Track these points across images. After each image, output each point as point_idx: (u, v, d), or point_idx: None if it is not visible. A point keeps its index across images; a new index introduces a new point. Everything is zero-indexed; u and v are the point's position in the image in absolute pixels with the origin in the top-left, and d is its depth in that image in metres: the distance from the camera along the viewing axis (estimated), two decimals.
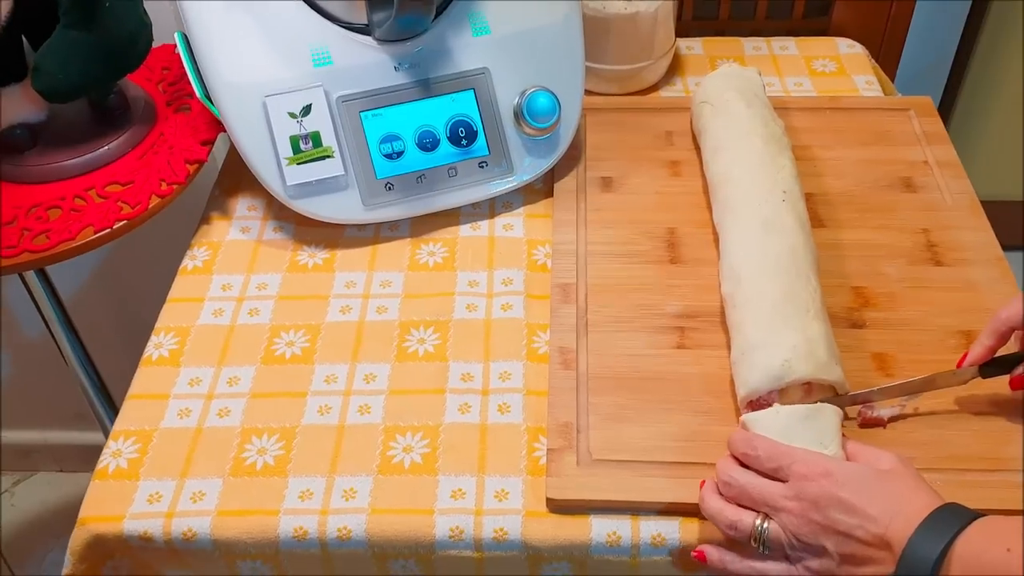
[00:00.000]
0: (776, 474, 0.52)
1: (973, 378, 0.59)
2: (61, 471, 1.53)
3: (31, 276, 0.88)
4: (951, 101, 1.36)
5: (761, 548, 0.52)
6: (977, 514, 0.46)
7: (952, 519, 0.46)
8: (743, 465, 0.54)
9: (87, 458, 1.51)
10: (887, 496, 0.48)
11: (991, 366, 0.59)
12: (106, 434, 1.09)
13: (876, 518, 0.48)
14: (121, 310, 1.34)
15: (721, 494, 0.54)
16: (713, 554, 0.54)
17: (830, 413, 0.56)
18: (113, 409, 1.07)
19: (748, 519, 0.52)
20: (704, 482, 0.56)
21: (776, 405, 0.57)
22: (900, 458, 0.52)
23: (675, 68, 0.95)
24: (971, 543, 0.45)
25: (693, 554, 0.55)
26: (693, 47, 0.98)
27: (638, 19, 0.87)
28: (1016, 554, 0.43)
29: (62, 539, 0.60)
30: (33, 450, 1.52)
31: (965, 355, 0.60)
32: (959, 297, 0.69)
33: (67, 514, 1.49)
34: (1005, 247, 0.73)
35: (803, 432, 0.54)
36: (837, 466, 0.51)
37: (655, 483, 0.58)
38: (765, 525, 0.51)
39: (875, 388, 0.61)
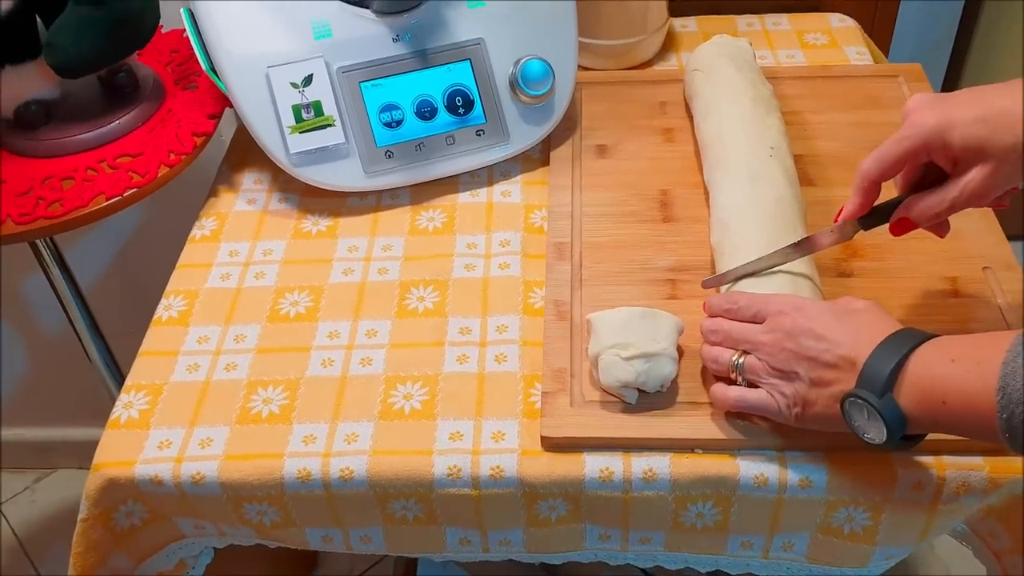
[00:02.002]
0: (755, 319, 0.58)
1: (856, 231, 0.62)
2: (82, 468, 1.55)
3: (54, 270, 0.91)
4: (951, 74, 1.36)
5: (740, 379, 0.58)
6: (930, 335, 0.50)
7: (908, 339, 0.50)
8: None
9: None
10: (854, 326, 0.53)
11: (870, 217, 0.61)
12: None
13: (841, 343, 0.52)
14: (140, 305, 1.36)
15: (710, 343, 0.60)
16: (713, 389, 0.59)
17: (664, 317, 0.61)
18: None
19: (726, 355, 0.58)
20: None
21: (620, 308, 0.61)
22: (873, 303, 0.56)
23: (669, 45, 0.97)
24: (922, 358, 0.49)
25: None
26: (688, 25, 1.00)
27: None
28: (959, 363, 0.47)
29: None
30: (54, 447, 1.55)
31: (841, 211, 0.62)
32: (945, 246, 0.69)
33: None
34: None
35: (639, 329, 0.60)
36: (808, 303, 0.56)
37: (645, 420, 0.60)
38: (740, 360, 0.57)
39: (753, 259, 0.63)
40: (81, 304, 0.97)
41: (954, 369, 0.47)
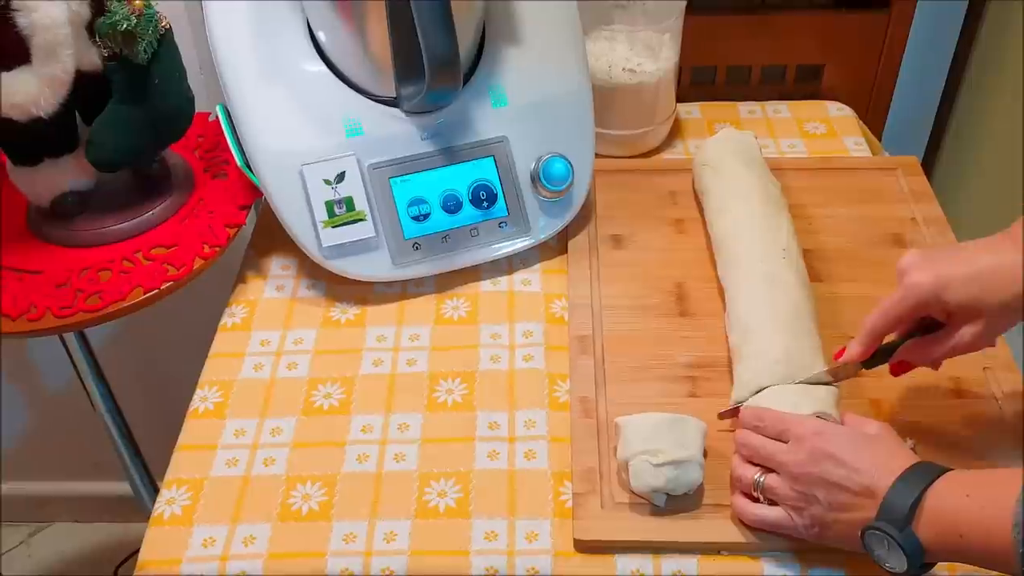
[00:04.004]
0: (780, 437, 0.61)
1: (857, 371, 0.67)
2: (77, 522, 1.56)
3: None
4: (935, 151, 1.42)
5: (761, 497, 0.61)
6: (946, 469, 0.54)
7: (925, 473, 0.54)
8: None
9: (104, 508, 1.54)
10: (872, 453, 0.57)
11: (871, 359, 0.66)
12: (131, 482, 1.14)
13: (862, 470, 0.56)
14: (145, 359, 1.38)
15: (742, 457, 0.63)
16: (735, 502, 0.63)
17: (691, 423, 0.65)
18: (139, 457, 1.11)
19: (749, 473, 0.62)
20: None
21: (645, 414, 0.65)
22: (885, 426, 0.60)
23: (676, 131, 1.01)
24: (939, 492, 0.53)
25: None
26: (692, 111, 1.05)
27: (641, 88, 0.93)
28: (974, 498, 0.51)
29: None
30: (49, 501, 1.55)
31: (842, 350, 0.67)
32: None
33: (83, 565, 1.52)
34: None
35: (668, 435, 0.63)
36: (829, 428, 0.60)
37: (673, 523, 0.63)
38: (761, 479, 0.61)
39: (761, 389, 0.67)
40: (91, 358, 0.98)
41: (970, 503, 0.51)
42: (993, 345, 0.63)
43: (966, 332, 0.60)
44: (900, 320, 0.63)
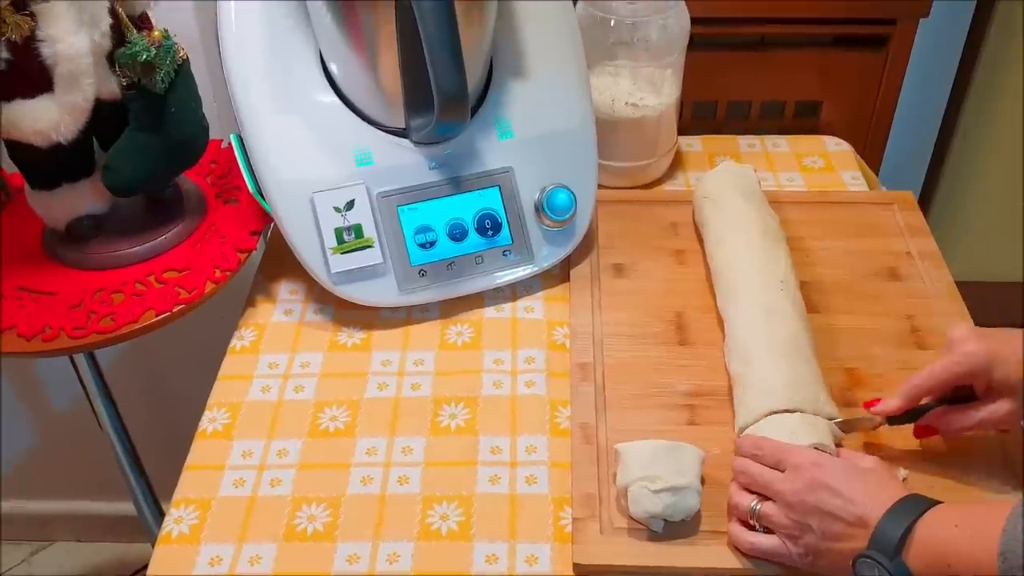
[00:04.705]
0: (777, 466, 0.63)
1: (881, 425, 0.69)
2: (79, 541, 1.56)
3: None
4: (932, 186, 1.45)
5: (757, 525, 0.62)
6: (936, 502, 0.56)
7: (916, 505, 0.56)
8: None
9: (105, 528, 1.55)
10: (866, 485, 0.58)
11: (900, 416, 0.68)
12: (135, 502, 1.15)
13: (856, 501, 0.57)
14: (152, 379, 1.39)
15: (739, 485, 0.65)
16: (732, 529, 0.64)
17: (688, 450, 0.66)
18: (143, 477, 1.12)
19: (746, 501, 0.63)
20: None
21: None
22: (879, 460, 0.63)
23: (677, 164, 1.04)
24: (928, 523, 0.55)
25: None
26: (693, 144, 1.07)
27: (643, 122, 0.95)
28: (962, 529, 0.53)
29: None
30: (51, 520, 1.56)
31: (876, 401, 0.68)
32: None
33: None
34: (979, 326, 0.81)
35: (666, 462, 0.64)
36: (825, 459, 0.62)
37: (670, 548, 0.64)
38: (757, 506, 0.62)
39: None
40: (99, 377, 0.99)
41: (958, 534, 0.53)
42: (1015, 437, 0.66)
43: (1001, 407, 0.63)
44: (944, 385, 0.66)
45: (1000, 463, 0.69)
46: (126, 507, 1.22)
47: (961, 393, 0.66)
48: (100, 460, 1.20)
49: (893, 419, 0.68)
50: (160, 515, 1.13)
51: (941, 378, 0.65)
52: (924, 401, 0.67)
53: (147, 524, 1.15)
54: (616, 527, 0.66)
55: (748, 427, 0.69)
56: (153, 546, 0.67)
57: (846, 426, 0.69)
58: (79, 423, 1.38)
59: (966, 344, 0.63)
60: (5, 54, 0.70)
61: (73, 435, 1.45)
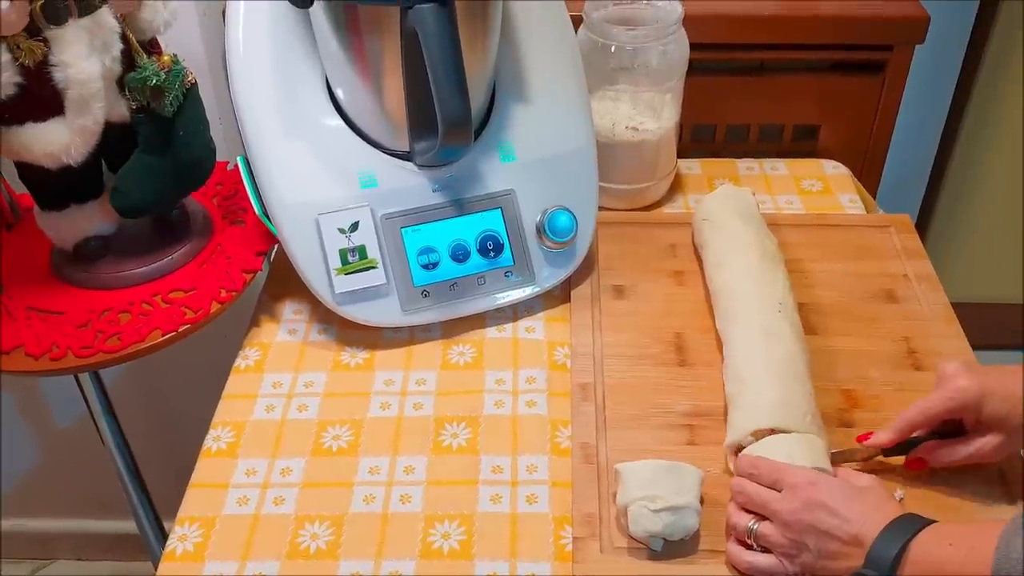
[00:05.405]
0: (774, 486, 0.64)
1: (877, 455, 0.70)
2: (81, 559, 1.57)
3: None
4: (929, 208, 1.46)
5: (755, 544, 0.63)
6: (931, 521, 0.57)
7: (910, 524, 0.57)
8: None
9: (106, 546, 1.55)
10: (862, 504, 0.59)
11: (892, 448, 0.69)
12: (137, 521, 1.15)
13: (851, 520, 0.58)
14: (155, 398, 1.40)
15: (737, 504, 0.66)
16: (730, 548, 0.65)
17: (688, 470, 0.67)
18: (146, 495, 1.13)
19: (743, 520, 0.64)
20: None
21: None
22: (875, 479, 0.64)
23: (676, 186, 1.05)
24: (923, 542, 0.56)
25: None
26: (692, 167, 1.08)
27: (643, 145, 0.97)
28: (956, 548, 0.54)
29: None
30: (53, 538, 1.56)
31: (869, 434, 0.70)
32: None
33: None
34: (977, 347, 0.82)
35: (666, 482, 0.65)
36: (822, 478, 0.62)
37: (670, 567, 0.65)
38: (755, 526, 0.63)
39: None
40: (103, 395, 1.00)
41: (952, 553, 0.54)
42: (1010, 456, 0.67)
43: (990, 441, 0.65)
44: (936, 419, 0.67)
45: (996, 483, 0.70)
46: (128, 525, 1.22)
47: (950, 427, 0.67)
48: (102, 478, 1.21)
49: (887, 451, 0.70)
50: (162, 533, 1.14)
51: (933, 413, 0.67)
52: (915, 434, 0.69)
53: (148, 543, 1.15)
54: (616, 546, 0.66)
55: (734, 444, 0.70)
56: (155, 565, 0.68)
57: (837, 458, 0.69)
58: (81, 441, 1.39)
59: (958, 380, 0.65)
60: (18, 79, 0.72)
61: (75, 453, 1.46)
